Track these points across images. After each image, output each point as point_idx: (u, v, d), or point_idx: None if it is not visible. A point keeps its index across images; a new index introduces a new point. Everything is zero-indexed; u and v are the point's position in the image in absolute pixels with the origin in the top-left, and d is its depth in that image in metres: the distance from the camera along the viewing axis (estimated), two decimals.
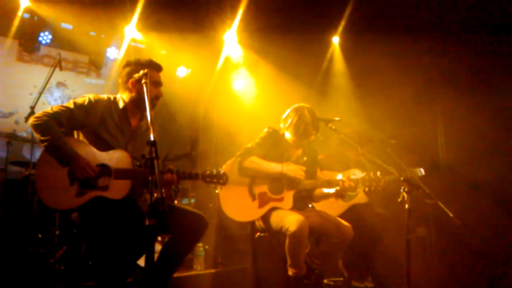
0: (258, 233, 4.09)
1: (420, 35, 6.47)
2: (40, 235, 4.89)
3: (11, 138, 5.54)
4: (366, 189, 3.89)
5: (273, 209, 3.91)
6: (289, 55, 6.85)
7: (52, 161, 3.04)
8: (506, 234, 5.74)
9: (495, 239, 5.72)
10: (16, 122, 6.76)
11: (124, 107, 3.34)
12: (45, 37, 6.73)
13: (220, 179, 3.36)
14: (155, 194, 2.39)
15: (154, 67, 3.37)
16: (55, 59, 4.93)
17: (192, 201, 6.28)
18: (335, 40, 7.64)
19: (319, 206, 4.31)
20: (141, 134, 3.41)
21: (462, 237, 5.62)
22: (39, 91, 4.77)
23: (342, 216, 4.25)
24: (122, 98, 3.37)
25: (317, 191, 4.10)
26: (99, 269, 3.11)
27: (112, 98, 3.38)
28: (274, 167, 3.92)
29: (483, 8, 6.08)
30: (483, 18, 6.25)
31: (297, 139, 4.02)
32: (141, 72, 3.10)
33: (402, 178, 3.38)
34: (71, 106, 3.18)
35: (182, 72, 8.02)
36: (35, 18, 6.58)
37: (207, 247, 5.48)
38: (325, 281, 4.72)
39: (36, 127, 3.05)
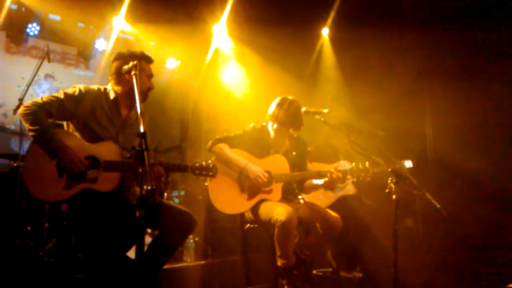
0: (248, 225, 4.11)
1: (410, 27, 6.50)
2: (29, 228, 4.88)
3: None
4: (355, 179, 3.92)
5: (262, 201, 3.93)
6: (278, 47, 6.85)
7: (41, 152, 3.02)
8: (493, 225, 5.82)
9: (482, 230, 5.79)
10: (4, 115, 6.70)
11: (115, 98, 3.33)
12: (33, 28, 6.64)
13: (210, 171, 3.36)
14: (145, 187, 2.39)
15: (145, 59, 3.36)
16: (43, 50, 4.91)
17: (182, 193, 6.27)
18: (325, 31, 7.65)
19: (308, 197, 4.35)
20: (131, 125, 3.40)
21: (449, 228, 5.70)
22: (27, 83, 4.74)
23: (331, 207, 4.30)
24: (113, 89, 3.36)
25: (307, 183, 4.13)
26: (89, 261, 3.11)
27: (102, 89, 3.37)
28: (239, 160, 3.91)
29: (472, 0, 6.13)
30: (474, 11, 6.28)
31: (284, 129, 4.05)
32: (131, 63, 3.09)
33: (390, 169, 3.42)
34: (61, 96, 3.16)
35: (171, 63, 7.98)
36: (23, 9, 6.48)
37: (196, 239, 5.49)
38: (314, 271, 4.76)
39: (25, 116, 3.03)
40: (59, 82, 7.26)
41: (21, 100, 4.56)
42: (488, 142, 6.23)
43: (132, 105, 3.41)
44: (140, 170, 2.44)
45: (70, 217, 3.16)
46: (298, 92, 4.31)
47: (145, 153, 2.46)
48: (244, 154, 3.98)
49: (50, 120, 3.10)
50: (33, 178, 3.04)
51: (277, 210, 3.69)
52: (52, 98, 3.14)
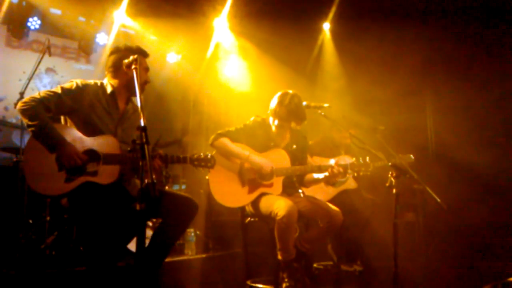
0: (248, 218, 4.12)
1: (411, 21, 6.49)
2: (31, 221, 4.90)
3: (1, 124, 5.51)
4: (355, 174, 3.92)
5: (262, 194, 3.94)
6: (279, 41, 6.83)
7: (40, 147, 3.04)
8: (493, 219, 5.83)
9: (482, 224, 5.80)
10: (6, 109, 6.71)
11: (112, 92, 3.35)
12: (34, 22, 6.64)
13: (208, 163, 3.38)
14: (146, 180, 2.40)
15: (142, 53, 3.37)
16: (44, 44, 4.90)
17: (183, 187, 6.30)
18: (326, 26, 7.64)
19: (308, 191, 4.35)
20: (129, 118, 3.42)
21: (450, 221, 5.71)
22: (28, 77, 4.74)
23: (331, 201, 4.30)
24: (110, 83, 3.38)
25: (307, 176, 4.13)
26: (90, 254, 3.13)
27: (99, 83, 3.39)
28: (242, 153, 3.92)
29: None
30: (476, 5, 6.28)
31: (286, 124, 4.05)
32: (131, 57, 3.10)
33: (390, 164, 3.43)
34: (59, 91, 3.19)
35: (172, 58, 7.97)
36: (24, 3, 6.48)
37: (198, 232, 5.52)
38: (314, 265, 4.78)
39: (24, 112, 3.05)
40: (60, 76, 7.27)
41: (22, 94, 4.57)
42: (489, 136, 6.23)
43: (129, 98, 3.44)
44: (140, 164, 2.45)
45: (71, 210, 3.18)
46: (299, 86, 4.30)
47: (146, 146, 2.47)
48: (246, 148, 3.98)
49: (48, 115, 3.12)
50: (34, 173, 3.06)
51: (277, 204, 3.70)
52: (50, 93, 3.16)
